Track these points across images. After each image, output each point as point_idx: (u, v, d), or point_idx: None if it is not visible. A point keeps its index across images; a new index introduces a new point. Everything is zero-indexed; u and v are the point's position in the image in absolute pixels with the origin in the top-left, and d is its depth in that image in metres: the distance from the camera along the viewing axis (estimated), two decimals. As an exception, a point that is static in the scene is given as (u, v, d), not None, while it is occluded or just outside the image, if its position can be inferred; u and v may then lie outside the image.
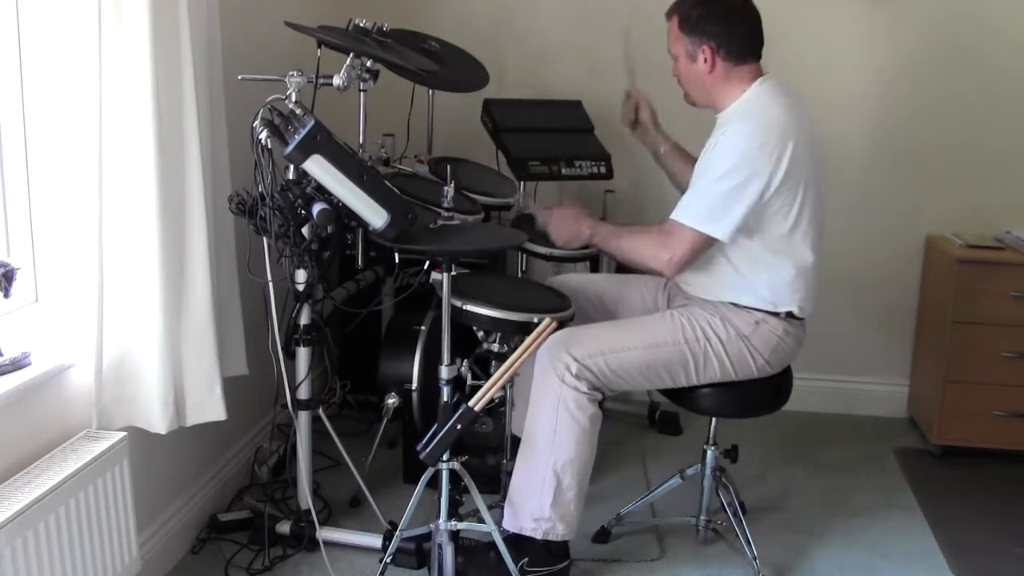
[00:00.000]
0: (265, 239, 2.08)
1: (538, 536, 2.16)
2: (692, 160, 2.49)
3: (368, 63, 2.43)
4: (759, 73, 2.23)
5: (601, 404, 2.20)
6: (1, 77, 1.78)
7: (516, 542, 2.15)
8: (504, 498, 2.28)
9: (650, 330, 2.23)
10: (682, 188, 2.49)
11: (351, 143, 2.20)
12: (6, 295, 1.77)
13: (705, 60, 2.20)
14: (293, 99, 2.06)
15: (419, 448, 2.00)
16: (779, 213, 2.15)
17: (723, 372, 2.22)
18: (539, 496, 2.15)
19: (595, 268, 2.99)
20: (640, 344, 2.19)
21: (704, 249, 2.18)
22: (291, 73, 2.07)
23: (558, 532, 2.17)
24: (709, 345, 2.20)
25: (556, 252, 2.67)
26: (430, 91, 3.04)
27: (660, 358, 2.19)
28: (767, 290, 2.21)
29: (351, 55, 2.27)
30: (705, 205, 2.13)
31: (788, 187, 2.12)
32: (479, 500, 2.06)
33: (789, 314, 2.25)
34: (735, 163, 2.09)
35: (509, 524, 2.18)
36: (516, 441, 2.30)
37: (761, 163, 2.09)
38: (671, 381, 2.23)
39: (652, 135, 2.57)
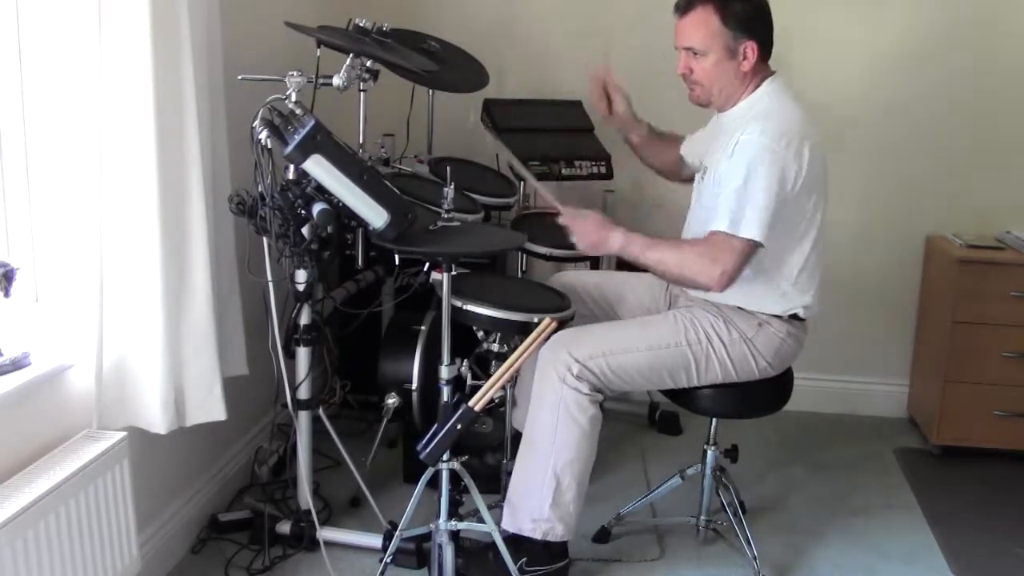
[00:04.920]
0: (265, 239, 2.08)
1: (537, 536, 2.16)
2: (673, 138, 2.49)
3: (368, 63, 2.43)
4: (769, 72, 2.23)
5: (601, 405, 2.19)
6: (1, 77, 1.78)
7: (515, 541, 2.14)
8: (504, 498, 2.28)
9: (652, 332, 2.23)
10: (662, 169, 2.53)
11: (351, 143, 2.20)
12: (6, 295, 1.77)
13: (745, 57, 2.15)
14: (293, 99, 2.06)
15: (419, 448, 2.00)
16: (794, 215, 2.13)
17: (724, 374, 2.22)
18: (538, 497, 2.15)
19: (595, 268, 2.99)
20: (642, 346, 2.18)
21: (751, 257, 2.09)
22: (291, 73, 2.07)
23: (557, 533, 2.16)
24: (711, 347, 2.20)
25: (556, 252, 2.67)
26: (430, 91, 3.04)
27: (662, 360, 2.19)
28: (772, 293, 2.21)
29: (351, 55, 2.27)
30: (744, 210, 2.04)
31: (807, 188, 2.11)
32: (479, 500, 2.05)
33: (793, 316, 2.25)
34: (764, 163, 2.05)
35: (508, 524, 2.18)
36: (517, 438, 2.29)
37: (788, 161, 2.06)
38: (672, 382, 2.23)
39: (631, 123, 2.51)
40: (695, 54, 2.17)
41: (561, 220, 2.27)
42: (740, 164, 2.07)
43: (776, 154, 2.06)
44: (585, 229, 2.23)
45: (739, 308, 2.23)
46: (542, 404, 2.16)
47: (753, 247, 2.07)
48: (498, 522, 2.15)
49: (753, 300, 2.21)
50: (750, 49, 2.15)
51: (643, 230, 2.22)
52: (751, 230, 2.05)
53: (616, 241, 2.20)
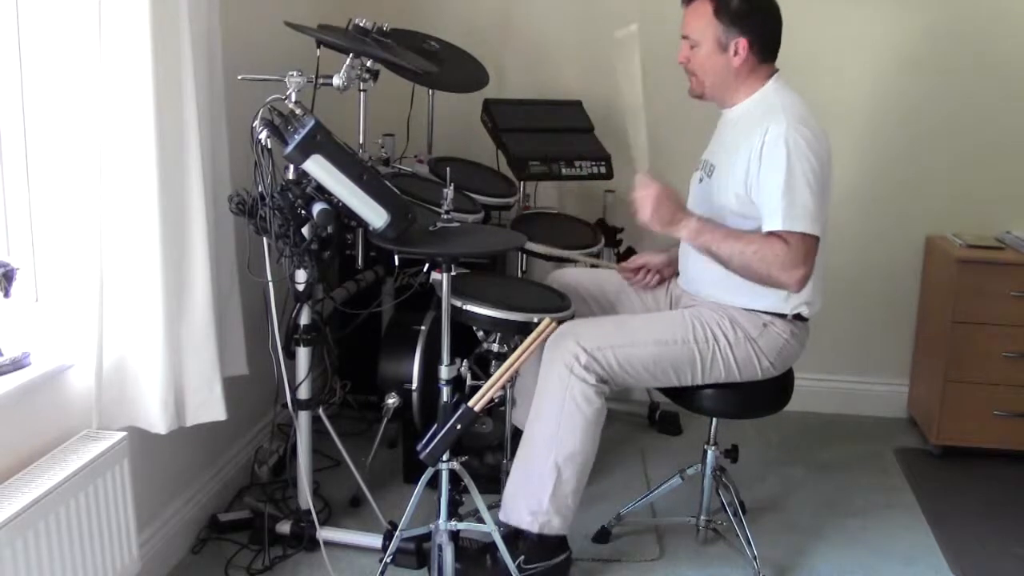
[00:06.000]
0: (265, 239, 2.08)
1: (534, 529, 2.15)
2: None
3: (368, 63, 2.43)
4: (773, 71, 2.23)
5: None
6: (1, 77, 1.78)
7: (510, 539, 2.14)
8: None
9: (660, 327, 2.23)
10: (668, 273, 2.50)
11: (351, 143, 2.20)
12: (6, 295, 1.77)
13: (736, 53, 2.16)
14: (293, 99, 2.06)
15: (419, 448, 2.00)
16: None
17: (728, 373, 2.22)
18: (538, 489, 2.14)
19: (595, 268, 2.99)
20: (650, 340, 2.18)
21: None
22: (291, 73, 2.07)
23: (554, 526, 2.16)
24: (717, 346, 2.20)
25: (556, 252, 2.67)
26: (430, 91, 3.04)
27: (668, 356, 2.19)
28: (776, 293, 2.20)
29: (351, 55, 2.27)
30: (808, 208, 2.04)
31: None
32: (479, 500, 2.05)
33: (796, 316, 2.24)
34: (801, 155, 2.05)
35: (505, 516, 2.18)
36: (516, 438, 2.29)
37: (821, 155, 2.08)
38: (676, 380, 2.23)
39: (668, 261, 2.48)
40: (693, 45, 2.21)
41: (636, 179, 2.16)
42: (779, 161, 2.05)
43: (808, 141, 2.06)
44: (659, 204, 2.11)
45: (744, 309, 2.23)
46: (547, 393, 2.16)
47: (817, 241, 2.09)
48: (498, 522, 2.15)
49: (759, 299, 2.20)
50: (741, 46, 2.16)
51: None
52: (818, 227, 2.06)
53: (690, 226, 2.12)
